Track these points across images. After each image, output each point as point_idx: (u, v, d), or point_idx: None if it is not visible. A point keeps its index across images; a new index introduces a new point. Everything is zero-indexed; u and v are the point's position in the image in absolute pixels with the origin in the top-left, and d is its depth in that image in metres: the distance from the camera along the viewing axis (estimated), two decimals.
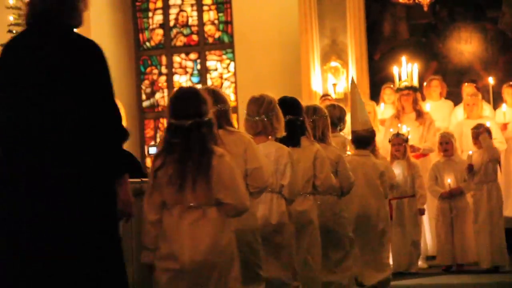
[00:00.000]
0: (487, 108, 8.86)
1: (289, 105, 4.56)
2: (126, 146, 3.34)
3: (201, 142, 3.28)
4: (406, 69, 9.06)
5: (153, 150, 5.45)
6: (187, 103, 3.34)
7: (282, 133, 4.28)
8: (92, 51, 3.21)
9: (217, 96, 3.84)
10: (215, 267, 3.29)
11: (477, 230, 7.59)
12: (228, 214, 3.37)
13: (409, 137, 7.81)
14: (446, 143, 7.86)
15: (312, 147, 4.74)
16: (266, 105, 4.23)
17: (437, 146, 8.02)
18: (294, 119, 4.58)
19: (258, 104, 4.25)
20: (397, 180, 7.30)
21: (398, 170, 7.56)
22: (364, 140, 5.94)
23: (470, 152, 7.73)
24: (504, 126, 8.63)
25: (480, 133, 7.61)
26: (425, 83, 9.26)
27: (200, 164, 3.25)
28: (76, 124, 3.03)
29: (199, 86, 11.90)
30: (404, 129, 8.01)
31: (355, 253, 5.41)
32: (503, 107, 8.77)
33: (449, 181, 7.73)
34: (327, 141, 5.15)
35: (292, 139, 4.48)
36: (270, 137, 4.30)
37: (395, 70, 9.14)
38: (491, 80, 9.28)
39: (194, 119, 3.29)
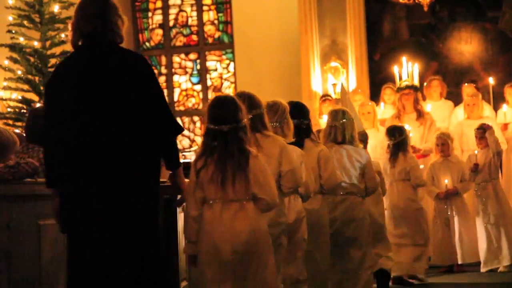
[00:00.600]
0: (487, 109, 8.84)
1: (295, 109, 4.72)
2: None
3: (239, 144, 3.69)
4: (406, 69, 9.04)
5: None
6: (225, 110, 3.74)
7: (290, 138, 4.50)
8: (142, 61, 3.64)
9: (252, 101, 4.14)
10: (254, 256, 3.64)
11: (490, 229, 7.57)
12: (261, 208, 3.72)
13: (410, 135, 7.79)
14: (442, 144, 7.85)
15: (316, 148, 4.87)
16: (280, 113, 4.48)
17: (434, 146, 8.01)
18: (299, 123, 4.76)
19: (273, 111, 4.47)
20: None
21: None
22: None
23: (476, 152, 7.71)
24: (505, 126, 8.61)
25: (487, 129, 7.64)
26: (425, 83, 9.24)
27: (239, 163, 3.65)
28: (135, 123, 3.50)
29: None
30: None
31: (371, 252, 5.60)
32: (504, 107, 8.75)
33: (446, 181, 7.71)
34: (355, 143, 5.40)
35: (296, 141, 4.61)
36: None
37: (395, 70, 9.12)
38: (491, 81, 9.26)
39: (232, 124, 3.69)
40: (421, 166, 7.51)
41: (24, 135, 4.69)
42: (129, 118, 3.51)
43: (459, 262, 7.59)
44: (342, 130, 5.31)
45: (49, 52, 9.53)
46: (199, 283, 3.75)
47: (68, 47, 9.56)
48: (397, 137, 6.97)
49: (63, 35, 9.55)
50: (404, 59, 9.16)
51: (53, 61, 9.56)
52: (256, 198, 3.69)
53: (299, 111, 4.78)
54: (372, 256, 5.56)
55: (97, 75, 3.53)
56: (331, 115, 5.31)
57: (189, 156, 9.10)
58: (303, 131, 4.79)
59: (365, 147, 6.26)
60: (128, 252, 3.48)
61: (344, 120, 5.34)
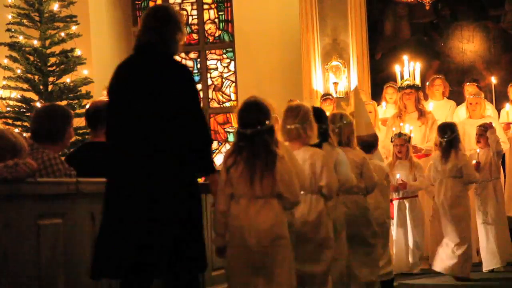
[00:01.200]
0: (489, 108, 8.80)
1: (313, 113, 4.87)
2: None
3: (265, 146, 3.99)
4: (408, 68, 9.00)
5: None
6: (249, 113, 4.05)
7: (315, 140, 4.75)
8: (185, 72, 3.99)
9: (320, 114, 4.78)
10: (277, 248, 3.96)
11: (488, 229, 7.55)
12: (284, 205, 4.04)
13: (411, 136, 7.76)
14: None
15: (333, 152, 5.07)
16: (302, 114, 4.69)
17: (433, 146, 7.97)
18: (317, 127, 4.90)
19: (295, 113, 4.69)
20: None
21: (400, 170, 7.52)
22: (368, 144, 6.24)
23: (478, 150, 7.69)
24: (508, 126, 8.58)
25: (488, 128, 7.65)
26: (427, 82, 9.21)
27: (266, 164, 3.96)
28: (176, 129, 3.83)
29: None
30: (406, 128, 7.96)
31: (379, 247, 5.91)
32: (507, 106, 8.72)
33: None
34: (352, 145, 5.65)
35: (315, 145, 4.82)
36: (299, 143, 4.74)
37: (397, 69, 9.08)
38: (493, 80, 9.23)
39: (255, 128, 3.99)
40: (473, 161, 7.61)
41: (24, 134, 4.67)
42: (165, 120, 3.83)
43: None
44: (339, 133, 5.53)
45: (48, 51, 9.49)
46: (226, 273, 4.09)
47: (68, 46, 9.61)
48: (449, 134, 7.11)
49: (62, 34, 9.52)
50: (405, 58, 9.12)
51: (52, 60, 9.53)
52: (281, 196, 4.00)
53: (317, 115, 4.90)
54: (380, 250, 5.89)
55: (139, 81, 3.89)
56: (329, 119, 5.42)
57: None
58: (321, 135, 4.93)
59: (375, 148, 6.40)
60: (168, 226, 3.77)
61: (341, 124, 5.57)
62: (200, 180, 4.31)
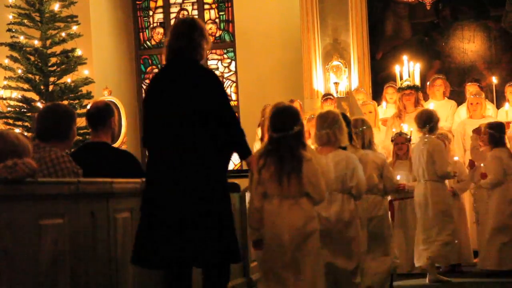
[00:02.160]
0: (490, 108, 8.81)
1: None
2: (127, 145, 3.41)
3: (291, 150, 4.35)
4: (408, 68, 9.00)
5: None
6: (277, 119, 4.45)
7: (345, 142, 5.12)
8: (212, 76, 4.40)
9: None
10: (307, 243, 4.35)
11: (480, 229, 7.56)
12: (313, 203, 4.43)
13: (411, 136, 7.76)
14: None
15: (356, 153, 5.38)
16: (330, 120, 5.05)
17: None
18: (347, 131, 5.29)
19: (323, 119, 5.07)
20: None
21: (400, 170, 7.51)
22: None
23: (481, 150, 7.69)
24: (507, 125, 8.57)
25: (476, 133, 7.63)
26: (428, 83, 9.21)
27: (293, 167, 4.33)
28: (208, 123, 4.22)
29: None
30: (405, 128, 7.96)
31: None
32: (506, 106, 8.72)
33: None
34: (373, 147, 6.10)
35: (341, 147, 5.18)
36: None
37: (397, 69, 9.08)
38: (494, 80, 9.23)
39: (282, 133, 4.39)
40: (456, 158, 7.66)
41: (26, 134, 4.67)
42: (203, 118, 4.23)
43: (452, 262, 7.58)
44: (361, 136, 5.97)
45: (49, 51, 9.49)
46: (260, 264, 4.58)
47: (68, 46, 9.61)
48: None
49: (63, 34, 9.52)
50: (405, 58, 9.12)
51: (53, 60, 9.53)
52: (308, 196, 4.39)
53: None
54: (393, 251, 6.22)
55: (178, 86, 4.32)
56: (351, 123, 5.68)
57: None
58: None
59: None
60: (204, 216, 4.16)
61: (363, 128, 6.03)
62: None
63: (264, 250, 4.44)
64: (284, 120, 4.42)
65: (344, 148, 5.15)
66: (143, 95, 12.06)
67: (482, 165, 7.56)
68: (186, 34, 4.39)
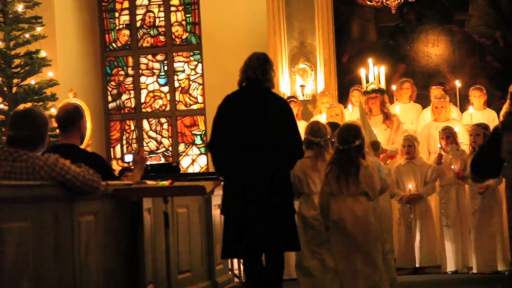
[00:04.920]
0: (454, 111, 8.90)
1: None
2: (92, 147, 3.37)
3: (350, 160, 5.53)
4: (373, 72, 9.06)
5: (129, 158, 6.10)
6: (343, 133, 5.62)
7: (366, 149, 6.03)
8: (284, 102, 5.83)
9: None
10: (366, 233, 5.51)
11: (447, 232, 7.65)
12: (368, 199, 5.57)
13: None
14: (409, 146, 7.88)
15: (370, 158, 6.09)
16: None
17: (400, 148, 8.03)
18: None
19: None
20: None
21: None
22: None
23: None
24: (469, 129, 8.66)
25: (448, 140, 7.71)
26: (394, 86, 9.27)
27: (351, 172, 5.52)
28: (279, 142, 5.42)
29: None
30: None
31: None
32: (470, 109, 8.82)
33: (410, 186, 7.75)
34: (370, 152, 6.46)
35: None
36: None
37: (362, 72, 9.14)
38: (458, 83, 9.33)
39: (346, 145, 5.54)
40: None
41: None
42: (274, 135, 5.40)
43: (417, 265, 7.66)
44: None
45: (13, 52, 9.39)
46: (333, 248, 5.66)
47: (33, 47, 9.52)
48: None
49: (27, 35, 9.42)
50: (370, 61, 9.18)
51: (17, 61, 9.42)
52: (366, 193, 5.54)
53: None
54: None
55: (256, 109, 5.45)
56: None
57: (155, 158, 9.02)
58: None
59: (377, 155, 6.76)
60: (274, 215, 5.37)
61: (363, 136, 6.43)
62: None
63: (333, 237, 5.59)
64: (347, 135, 5.56)
65: None
66: (109, 97, 12.01)
67: (452, 167, 7.64)
68: (261, 68, 5.54)
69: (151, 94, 12.02)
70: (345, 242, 5.52)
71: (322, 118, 8.76)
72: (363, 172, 5.51)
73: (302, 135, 5.91)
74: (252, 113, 5.40)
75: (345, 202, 5.51)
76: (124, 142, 11.97)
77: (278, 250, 5.45)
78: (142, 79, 12.02)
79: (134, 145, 11.85)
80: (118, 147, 11.98)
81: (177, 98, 11.89)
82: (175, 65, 11.90)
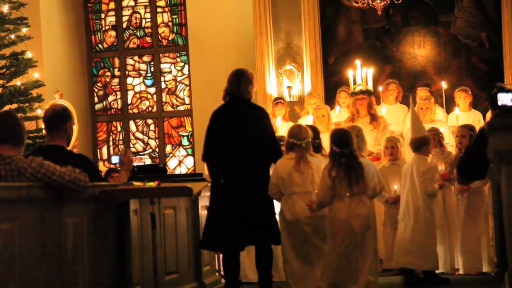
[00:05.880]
0: (440, 112, 8.93)
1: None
2: (79, 149, 3.37)
3: (356, 161, 5.88)
4: (360, 73, 9.08)
5: (115, 159, 6.24)
6: (341, 138, 5.92)
7: (366, 152, 6.76)
8: (262, 111, 6.30)
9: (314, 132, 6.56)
10: (369, 229, 5.85)
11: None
12: (368, 198, 5.97)
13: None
14: (392, 147, 7.87)
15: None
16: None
17: (383, 150, 8.01)
18: None
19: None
20: None
21: None
22: (420, 144, 7.20)
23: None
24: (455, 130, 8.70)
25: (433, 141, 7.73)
26: (380, 88, 9.31)
27: (359, 174, 5.85)
28: (259, 146, 6.09)
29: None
30: None
31: None
32: (456, 110, 8.86)
33: (395, 187, 7.76)
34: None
35: None
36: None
37: (350, 73, 9.16)
38: (444, 84, 9.37)
39: (345, 148, 5.85)
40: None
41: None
42: (255, 143, 6.06)
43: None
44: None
45: None
46: (329, 245, 5.90)
47: (18, 48, 9.47)
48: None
49: (13, 36, 9.37)
50: (358, 62, 9.20)
51: (2, 62, 9.37)
52: (365, 193, 5.89)
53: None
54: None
55: (236, 118, 6.11)
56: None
57: (143, 159, 8.99)
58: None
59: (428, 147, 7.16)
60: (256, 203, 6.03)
61: (358, 140, 6.50)
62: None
63: (337, 236, 5.83)
64: (347, 138, 5.90)
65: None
66: (95, 98, 11.98)
67: (440, 168, 7.67)
68: (238, 83, 6.14)
69: (137, 95, 12.00)
70: (346, 242, 5.76)
71: (309, 119, 8.78)
72: (365, 173, 5.88)
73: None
74: (235, 125, 6.08)
75: (350, 203, 5.80)
76: (111, 143, 11.94)
77: (261, 240, 6.03)
78: (129, 80, 12.00)
79: (121, 146, 11.82)
80: (104, 148, 11.95)
81: (163, 99, 11.87)
82: (162, 66, 11.89)
